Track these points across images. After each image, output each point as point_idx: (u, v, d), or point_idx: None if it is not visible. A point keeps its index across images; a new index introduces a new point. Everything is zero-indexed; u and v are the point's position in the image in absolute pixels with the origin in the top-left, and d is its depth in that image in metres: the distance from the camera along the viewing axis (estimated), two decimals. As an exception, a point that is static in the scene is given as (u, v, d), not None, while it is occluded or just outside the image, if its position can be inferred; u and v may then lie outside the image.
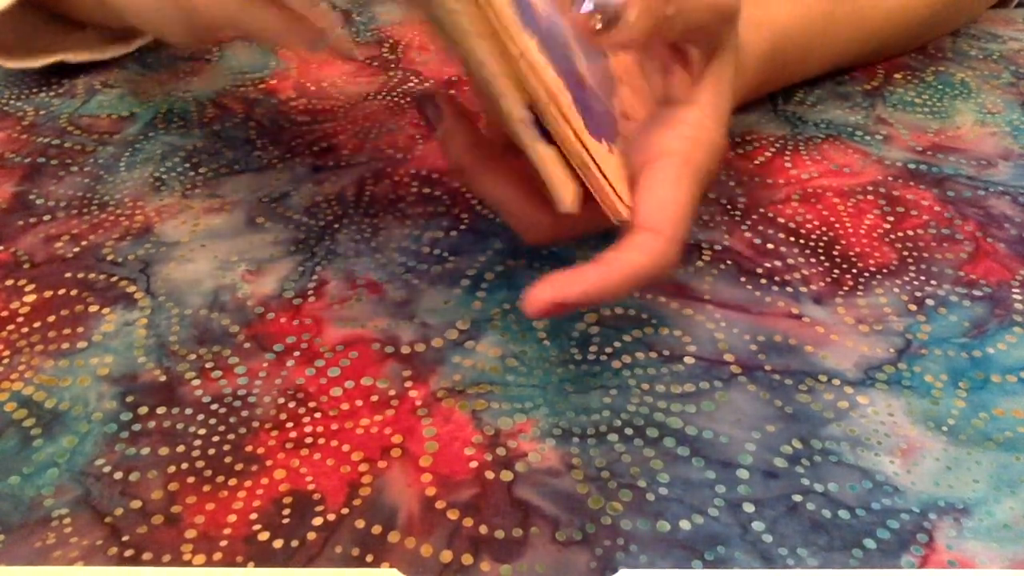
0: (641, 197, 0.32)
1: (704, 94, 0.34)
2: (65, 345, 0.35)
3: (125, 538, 0.28)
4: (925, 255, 0.41)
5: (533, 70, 0.28)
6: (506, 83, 0.29)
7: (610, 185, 0.30)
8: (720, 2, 0.32)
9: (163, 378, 0.34)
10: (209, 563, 0.28)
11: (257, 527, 0.29)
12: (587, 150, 0.30)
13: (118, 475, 0.30)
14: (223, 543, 0.28)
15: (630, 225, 0.31)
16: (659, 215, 0.31)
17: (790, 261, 0.40)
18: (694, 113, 0.33)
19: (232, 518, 0.29)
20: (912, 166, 0.47)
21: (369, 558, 0.28)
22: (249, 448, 0.31)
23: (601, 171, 0.30)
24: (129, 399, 0.33)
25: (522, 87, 0.29)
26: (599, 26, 0.30)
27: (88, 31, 0.54)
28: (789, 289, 0.39)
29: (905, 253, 0.41)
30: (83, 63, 0.53)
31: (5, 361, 0.34)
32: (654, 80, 0.35)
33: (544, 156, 0.30)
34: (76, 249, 0.40)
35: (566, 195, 0.30)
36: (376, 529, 0.29)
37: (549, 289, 0.30)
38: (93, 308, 0.37)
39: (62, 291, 0.38)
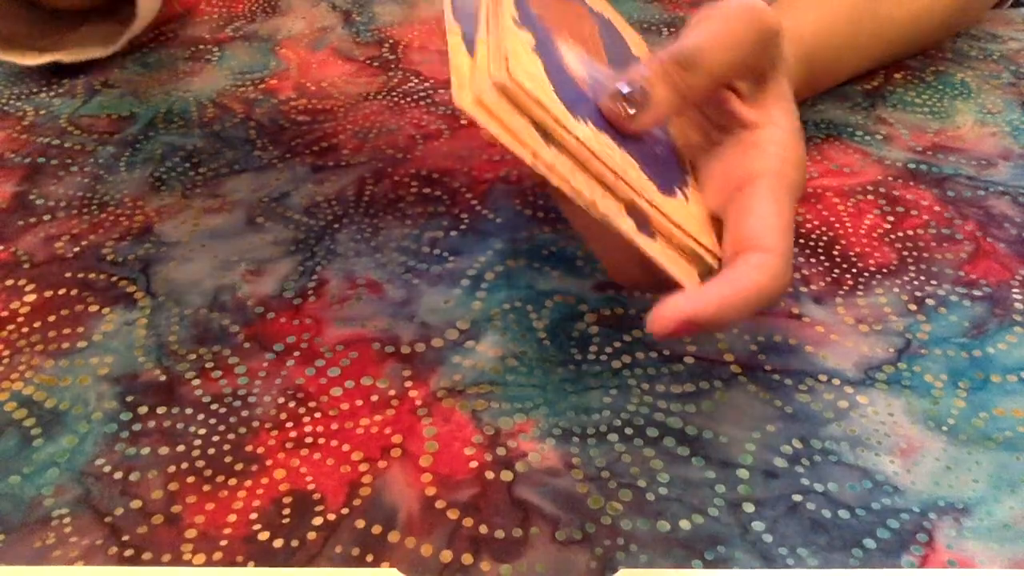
0: (742, 220, 0.31)
1: (775, 112, 0.33)
2: (65, 345, 0.35)
3: (125, 538, 0.28)
4: (925, 255, 0.41)
5: (597, 162, 0.28)
6: (589, 190, 0.28)
7: (692, 238, 0.30)
8: (748, 33, 0.31)
9: (163, 378, 0.34)
10: (209, 563, 0.28)
11: (257, 527, 0.29)
12: (664, 216, 0.29)
13: (118, 475, 0.30)
14: (223, 543, 0.28)
15: (739, 250, 0.30)
16: (767, 234, 0.30)
17: (790, 261, 0.40)
18: (773, 132, 0.33)
19: (232, 518, 0.29)
20: (912, 166, 0.47)
21: (369, 558, 0.28)
22: (249, 448, 0.31)
23: (682, 229, 0.30)
24: (129, 399, 0.33)
25: (599, 183, 0.28)
26: (629, 111, 0.30)
27: (83, 31, 0.54)
28: (789, 289, 0.39)
29: (905, 253, 0.41)
30: (83, 63, 0.53)
31: (5, 361, 0.34)
32: (710, 106, 0.35)
33: (651, 249, 0.29)
34: (76, 249, 0.40)
35: (689, 282, 0.30)
36: (376, 529, 0.29)
37: (677, 307, 0.28)
38: (93, 308, 0.37)
39: (62, 291, 0.38)
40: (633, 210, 0.29)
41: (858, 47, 0.50)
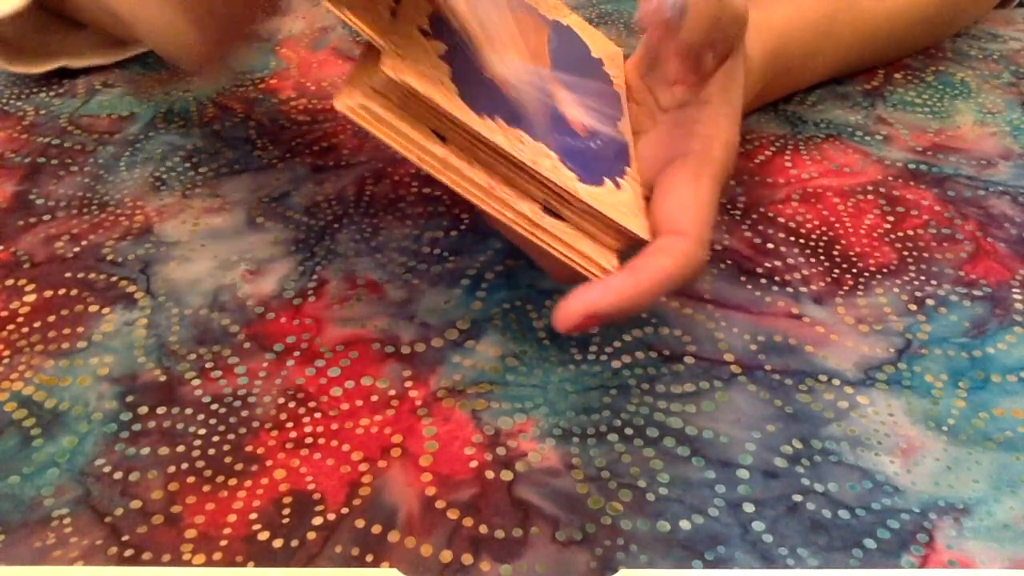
0: (662, 200, 0.32)
1: (716, 94, 0.34)
2: (65, 345, 0.35)
3: (125, 538, 0.28)
4: (925, 255, 0.41)
5: (501, 156, 0.29)
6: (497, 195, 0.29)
7: (609, 220, 0.31)
8: (740, 8, 0.32)
9: (163, 378, 0.34)
10: (209, 563, 0.28)
11: (257, 527, 0.29)
12: (579, 200, 0.30)
13: (118, 475, 0.30)
14: (223, 543, 0.28)
15: (655, 231, 0.31)
16: (682, 217, 0.31)
17: (790, 261, 0.40)
18: (707, 112, 0.33)
19: (232, 518, 0.29)
20: (912, 166, 0.47)
21: (369, 558, 0.28)
22: (249, 448, 0.31)
23: (603, 217, 0.30)
24: (129, 399, 0.33)
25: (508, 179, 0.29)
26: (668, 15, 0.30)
27: (89, 32, 0.54)
28: (789, 289, 0.39)
29: (905, 253, 0.41)
30: (88, 64, 0.53)
31: (5, 361, 0.34)
32: (660, 90, 0.35)
33: (554, 229, 0.30)
34: (76, 249, 0.40)
35: (605, 264, 0.30)
36: (376, 529, 0.29)
37: (580, 302, 0.29)
38: (93, 308, 0.37)
39: (62, 291, 0.38)
40: (541, 185, 0.30)
41: (836, 41, 0.50)
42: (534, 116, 0.31)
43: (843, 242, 0.41)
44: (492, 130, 0.28)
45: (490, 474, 0.31)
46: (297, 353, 0.35)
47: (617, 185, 0.32)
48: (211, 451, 0.31)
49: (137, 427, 0.32)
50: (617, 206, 0.31)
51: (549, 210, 0.30)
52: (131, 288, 0.38)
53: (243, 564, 0.28)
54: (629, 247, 0.31)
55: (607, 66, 0.38)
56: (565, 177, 0.30)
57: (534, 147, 0.30)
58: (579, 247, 0.30)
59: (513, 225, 0.30)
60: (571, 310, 0.29)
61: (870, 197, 0.44)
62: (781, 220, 0.43)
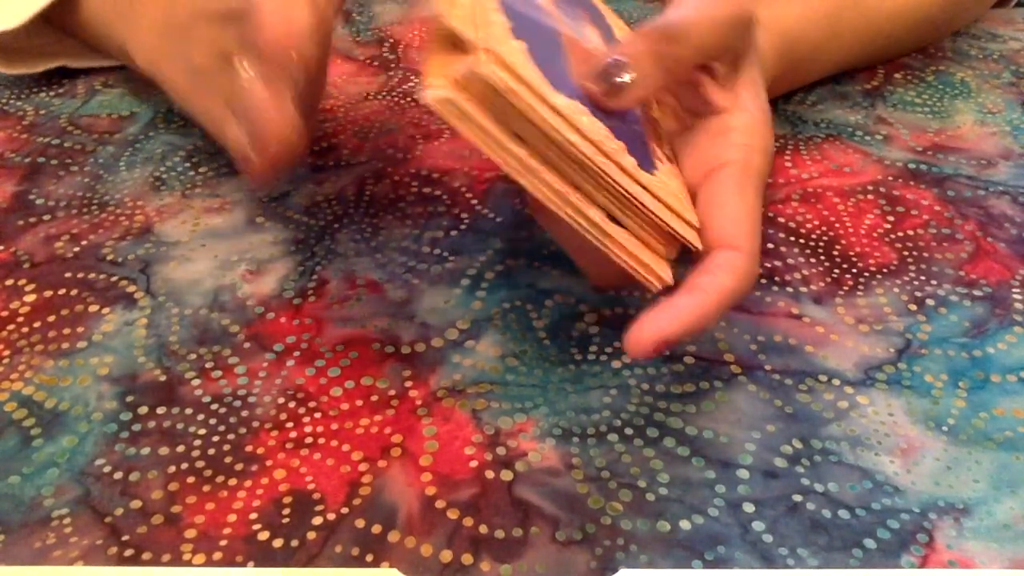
0: (711, 212, 0.31)
1: (746, 98, 0.33)
2: (65, 345, 0.35)
3: (125, 538, 0.28)
4: (925, 255, 0.41)
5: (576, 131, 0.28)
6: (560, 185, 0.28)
7: (678, 217, 0.30)
8: (730, 14, 0.32)
9: (163, 378, 0.34)
10: (209, 563, 0.28)
11: (257, 527, 0.29)
12: (648, 191, 0.29)
13: (118, 475, 0.30)
14: (223, 543, 0.28)
15: (706, 246, 0.31)
16: (735, 230, 0.30)
17: (790, 261, 0.40)
18: (743, 119, 0.33)
19: (232, 518, 0.29)
20: (912, 166, 0.47)
21: (369, 558, 0.28)
22: (249, 448, 0.31)
23: (668, 207, 0.30)
24: (129, 399, 0.33)
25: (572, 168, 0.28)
26: (615, 87, 0.30)
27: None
28: (789, 289, 0.39)
29: (905, 253, 0.41)
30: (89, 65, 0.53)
31: (5, 361, 0.34)
32: (682, 93, 0.35)
33: (619, 236, 0.29)
34: (76, 249, 0.40)
35: (662, 274, 0.30)
36: (376, 529, 0.29)
37: (652, 329, 0.29)
38: (93, 308, 0.37)
39: (62, 291, 0.38)
40: (607, 193, 0.29)
41: (841, 39, 0.50)
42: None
43: (843, 242, 0.41)
44: (572, 119, 0.27)
45: (490, 474, 0.31)
46: (297, 353, 0.35)
47: (659, 162, 0.32)
48: (211, 451, 0.31)
49: (137, 427, 0.32)
50: (672, 199, 0.30)
51: (611, 217, 0.30)
52: (131, 288, 0.38)
53: (243, 564, 0.28)
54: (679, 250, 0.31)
55: None
56: (629, 164, 0.29)
57: (605, 134, 0.29)
58: (642, 257, 0.30)
59: (583, 231, 0.29)
60: (644, 338, 0.29)
61: (870, 197, 0.44)
62: (781, 220, 0.43)
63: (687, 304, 0.29)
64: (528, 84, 0.26)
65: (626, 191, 0.29)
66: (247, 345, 0.35)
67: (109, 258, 0.39)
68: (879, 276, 0.39)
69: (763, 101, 0.34)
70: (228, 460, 0.31)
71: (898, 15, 0.52)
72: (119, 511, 0.29)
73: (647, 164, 0.30)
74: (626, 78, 0.30)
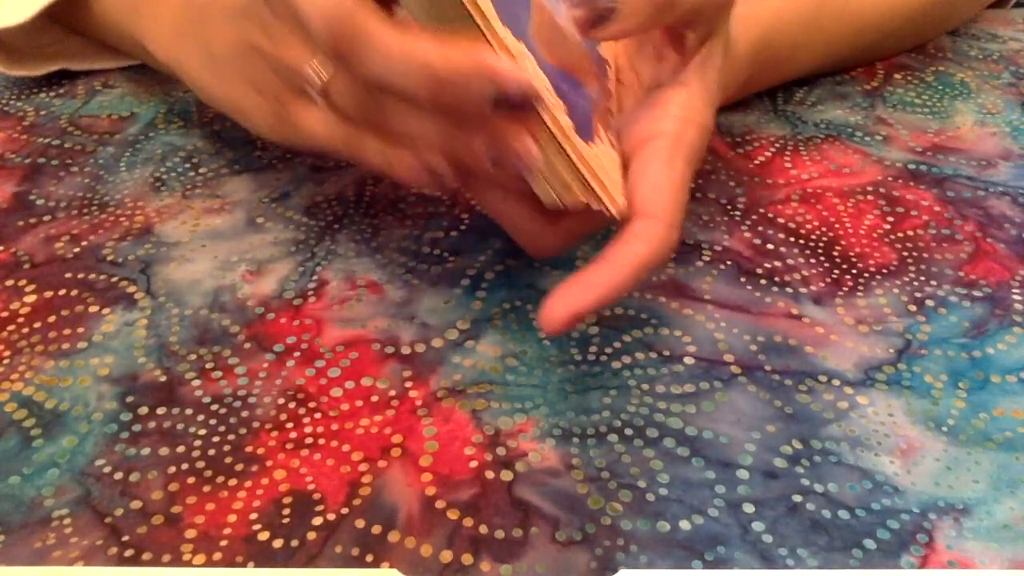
0: (635, 182, 0.31)
1: (692, 76, 0.33)
2: (65, 345, 0.35)
3: (125, 538, 0.28)
4: (925, 255, 0.41)
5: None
6: None
7: (601, 185, 0.30)
8: None
9: (163, 378, 0.34)
10: (209, 563, 0.28)
11: (257, 527, 0.29)
12: (578, 153, 0.29)
13: (118, 475, 0.30)
14: (223, 543, 0.28)
15: (627, 214, 0.31)
16: (656, 200, 0.31)
17: (790, 261, 0.40)
18: (682, 94, 0.33)
19: (232, 518, 0.29)
20: (912, 166, 0.47)
21: (369, 558, 0.28)
22: (249, 448, 0.31)
23: (593, 173, 0.30)
24: (129, 399, 0.33)
25: None
26: (593, 18, 0.29)
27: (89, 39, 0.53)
28: (789, 289, 0.39)
29: (905, 253, 0.41)
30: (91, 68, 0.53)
31: (5, 361, 0.34)
32: (644, 69, 0.35)
33: (585, 152, 0.29)
34: (76, 249, 0.40)
35: (618, 199, 0.30)
36: (376, 529, 0.29)
37: (562, 303, 0.29)
38: (93, 308, 0.37)
39: (62, 291, 0.38)
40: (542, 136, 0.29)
41: (822, 34, 0.50)
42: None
43: (843, 243, 0.41)
44: (517, 55, 0.27)
45: (490, 474, 0.31)
46: (297, 353, 0.35)
47: (599, 141, 0.32)
48: (211, 451, 0.31)
49: (137, 427, 0.32)
50: (603, 169, 0.30)
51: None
52: (131, 288, 0.38)
53: (243, 564, 0.28)
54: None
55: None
56: (564, 122, 0.29)
57: (547, 87, 0.29)
58: (600, 177, 0.30)
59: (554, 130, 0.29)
60: (556, 314, 0.29)
61: (870, 198, 0.44)
62: (781, 221, 0.43)
63: (599, 277, 0.30)
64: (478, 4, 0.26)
65: (559, 142, 0.29)
66: (247, 345, 0.35)
67: (109, 259, 0.39)
68: (879, 276, 0.40)
69: (709, 80, 0.34)
70: (228, 460, 0.31)
71: (885, 9, 0.52)
72: (119, 511, 0.29)
73: (585, 134, 0.30)
74: (613, 6, 0.29)
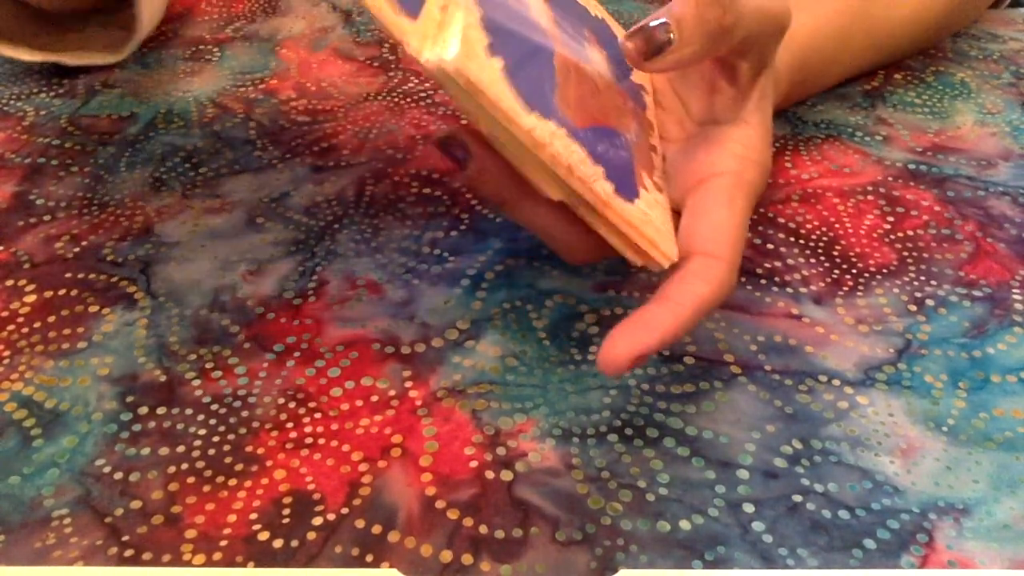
0: (695, 220, 0.31)
1: (751, 112, 0.33)
2: (65, 345, 0.35)
3: (125, 538, 0.28)
4: (925, 255, 0.41)
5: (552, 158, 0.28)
6: (535, 172, 0.29)
7: (650, 243, 0.30)
8: (776, 10, 0.31)
9: (163, 378, 0.34)
10: (209, 563, 0.28)
11: (257, 527, 0.29)
12: (621, 218, 0.29)
13: (118, 475, 0.30)
14: (223, 543, 0.28)
15: (686, 252, 0.30)
16: (716, 239, 0.30)
17: (790, 261, 0.40)
18: (744, 132, 0.33)
19: (232, 518, 0.29)
20: (912, 166, 0.47)
21: (369, 558, 0.28)
22: (249, 448, 0.31)
23: (640, 233, 0.30)
24: (129, 399, 0.33)
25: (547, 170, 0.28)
26: (654, 47, 0.28)
27: (87, 32, 0.54)
28: (789, 289, 0.39)
29: (905, 253, 0.41)
30: (82, 63, 0.53)
31: (5, 361, 0.34)
32: (692, 99, 0.34)
33: (635, 217, 0.29)
34: (76, 249, 0.40)
35: (667, 251, 0.30)
36: (376, 529, 0.29)
37: (625, 343, 0.28)
38: (93, 308, 0.37)
39: (62, 291, 0.38)
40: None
41: (851, 49, 0.50)
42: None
43: (843, 242, 0.41)
44: (541, 140, 0.27)
45: (490, 474, 0.31)
46: (297, 353, 0.35)
47: (649, 203, 0.31)
48: (211, 451, 0.31)
49: (137, 427, 0.32)
50: (650, 226, 0.30)
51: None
52: (131, 288, 0.38)
53: (243, 564, 0.28)
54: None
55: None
56: (602, 190, 0.29)
57: (580, 158, 0.29)
58: (646, 232, 0.29)
59: (582, 202, 0.29)
60: (618, 354, 0.28)
61: (870, 197, 0.44)
62: (781, 220, 0.43)
63: (660, 316, 0.28)
64: (494, 102, 0.26)
65: (598, 211, 0.29)
66: (247, 345, 0.35)
67: (109, 258, 0.39)
68: (879, 276, 0.40)
69: (767, 117, 0.34)
70: (228, 460, 0.31)
71: (907, 23, 0.52)
72: (119, 511, 0.29)
73: (627, 190, 0.30)
74: (669, 37, 0.28)
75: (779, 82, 0.44)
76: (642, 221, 0.30)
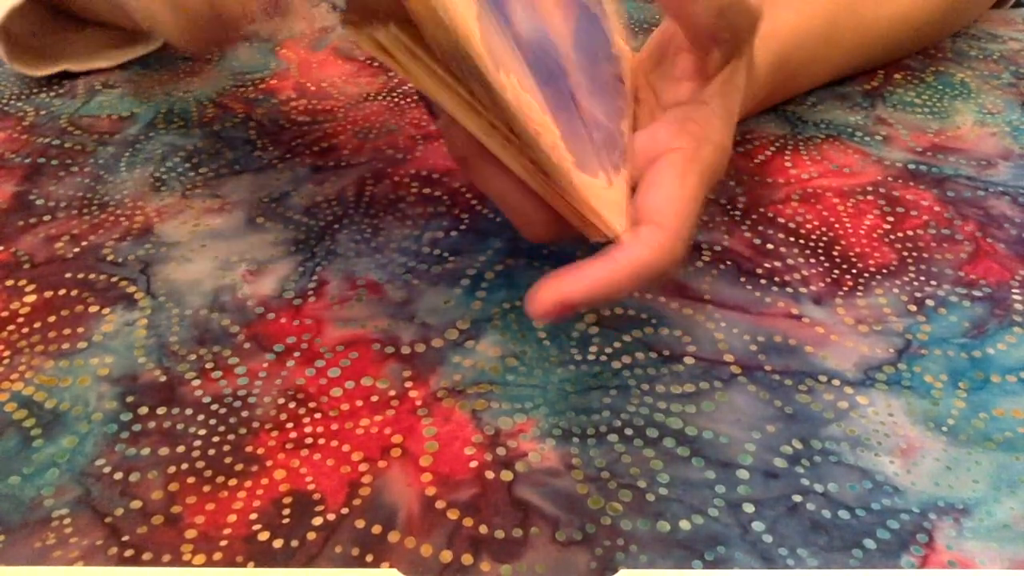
0: (645, 191, 0.32)
1: (713, 95, 0.34)
2: (65, 345, 0.35)
3: (125, 538, 0.28)
4: (925, 255, 0.41)
5: (520, 111, 0.28)
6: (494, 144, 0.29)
7: (593, 211, 0.30)
8: (749, 1, 0.32)
9: (163, 378, 0.34)
10: (209, 563, 0.28)
11: (257, 527, 0.29)
12: (577, 188, 0.29)
13: (118, 475, 0.30)
14: (223, 543, 0.28)
15: (634, 223, 0.31)
16: (663, 209, 0.31)
17: (790, 261, 0.40)
18: (702, 112, 0.33)
19: (232, 518, 0.29)
20: (912, 166, 0.47)
21: (369, 558, 0.28)
22: (249, 448, 0.31)
23: (589, 206, 0.30)
24: (129, 399, 0.33)
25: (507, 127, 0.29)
26: None
27: (89, 34, 0.54)
28: (789, 289, 0.39)
29: (905, 253, 0.41)
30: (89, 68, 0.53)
31: (5, 361, 0.34)
32: (662, 88, 0.35)
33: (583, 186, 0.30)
34: (76, 249, 0.40)
35: (614, 223, 0.30)
36: (376, 529, 0.29)
37: (553, 289, 0.29)
38: (93, 308, 0.37)
39: (62, 291, 0.38)
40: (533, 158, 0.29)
41: (839, 46, 0.50)
42: (546, 86, 0.30)
43: (843, 242, 0.41)
44: (505, 89, 0.27)
45: (490, 474, 0.31)
46: (297, 354, 0.35)
47: (609, 181, 0.32)
48: (211, 451, 0.31)
49: (137, 427, 0.32)
50: (605, 201, 0.31)
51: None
52: (131, 288, 0.38)
53: (243, 564, 0.28)
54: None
55: (621, 63, 0.38)
56: (563, 158, 0.29)
57: (541, 118, 0.29)
58: (593, 204, 0.30)
59: (534, 172, 0.29)
60: (544, 298, 0.29)
61: (870, 197, 0.44)
62: (781, 220, 0.43)
63: (595, 270, 0.29)
64: (468, 38, 0.26)
65: (551, 166, 0.29)
66: (247, 345, 0.35)
67: (109, 258, 0.39)
68: (879, 276, 0.40)
69: (731, 102, 0.34)
70: (228, 460, 0.31)
71: (898, 20, 0.52)
72: (119, 511, 0.29)
73: (587, 166, 0.30)
74: None
75: (758, 79, 0.44)
76: (590, 190, 0.30)
